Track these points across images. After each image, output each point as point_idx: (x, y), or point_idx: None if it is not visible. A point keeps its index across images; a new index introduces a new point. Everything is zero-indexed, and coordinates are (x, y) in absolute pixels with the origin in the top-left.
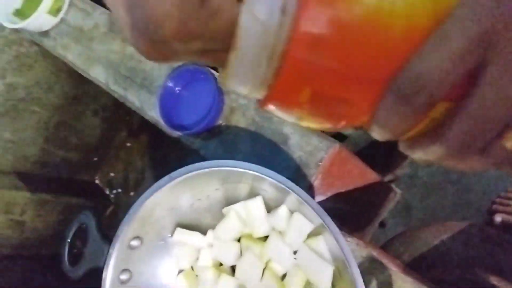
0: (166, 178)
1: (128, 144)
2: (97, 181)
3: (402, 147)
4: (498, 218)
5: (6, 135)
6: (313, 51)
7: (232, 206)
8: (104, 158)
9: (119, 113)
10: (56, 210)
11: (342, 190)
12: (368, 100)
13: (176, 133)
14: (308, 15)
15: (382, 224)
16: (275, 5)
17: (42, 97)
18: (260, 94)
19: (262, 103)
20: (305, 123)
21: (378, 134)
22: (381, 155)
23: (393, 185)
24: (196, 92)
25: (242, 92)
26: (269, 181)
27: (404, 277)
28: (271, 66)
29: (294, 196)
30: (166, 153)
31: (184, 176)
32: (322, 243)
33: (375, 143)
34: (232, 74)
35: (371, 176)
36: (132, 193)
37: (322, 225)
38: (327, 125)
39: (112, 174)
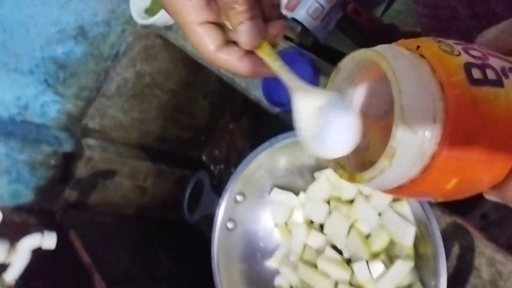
0: (266, 143)
1: (231, 126)
2: (203, 158)
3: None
4: None
5: (134, 114)
6: (462, 149)
7: (323, 170)
8: (210, 138)
9: (224, 98)
10: (171, 180)
11: None
12: (501, 173)
13: (276, 109)
14: (458, 119)
15: (483, 216)
16: (428, 117)
17: (163, 83)
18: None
19: (397, 192)
20: (440, 200)
21: (498, 199)
22: None
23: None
24: (295, 72)
25: (373, 187)
26: None
27: (487, 242)
28: (420, 166)
29: None
30: (265, 132)
31: (281, 143)
32: (406, 206)
33: None
34: (376, 176)
35: None
36: (232, 169)
37: None
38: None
39: (216, 152)
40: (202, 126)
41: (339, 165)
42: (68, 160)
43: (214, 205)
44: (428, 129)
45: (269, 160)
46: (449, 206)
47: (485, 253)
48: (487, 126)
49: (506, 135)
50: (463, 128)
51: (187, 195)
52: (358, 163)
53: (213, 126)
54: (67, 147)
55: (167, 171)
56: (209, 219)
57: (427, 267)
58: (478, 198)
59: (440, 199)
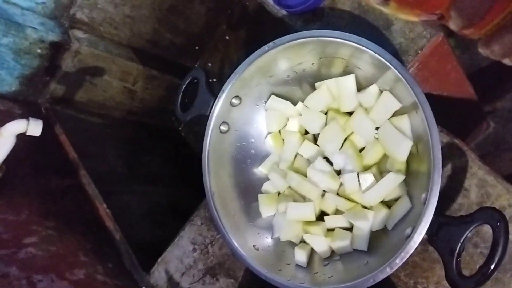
0: (270, 44)
1: (227, 38)
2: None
3: (480, 45)
4: None
5: (126, 10)
6: None
7: (325, 80)
8: (205, 48)
9: (222, 5)
10: (161, 87)
11: (434, 92)
12: None
13: (281, 12)
14: None
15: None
16: None
17: None
18: None
19: None
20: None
21: (455, 22)
22: (484, 84)
23: (488, 117)
24: None
25: None
26: (368, 55)
27: (481, 164)
28: None
29: (391, 71)
30: (265, 42)
31: (286, 44)
32: (406, 122)
33: (481, 70)
34: None
35: (467, 90)
36: None
37: (411, 105)
38: (411, 13)
39: (209, 64)
40: (197, 34)
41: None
42: (55, 51)
43: (208, 105)
44: None
45: (270, 63)
46: (448, 126)
47: (477, 174)
48: None
49: None
50: None
51: (181, 91)
52: None
53: (209, 35)
54: (54, 36)
55: (158, 77)
56: (203, 120)
57: (418, 183)
58: (463, 134)
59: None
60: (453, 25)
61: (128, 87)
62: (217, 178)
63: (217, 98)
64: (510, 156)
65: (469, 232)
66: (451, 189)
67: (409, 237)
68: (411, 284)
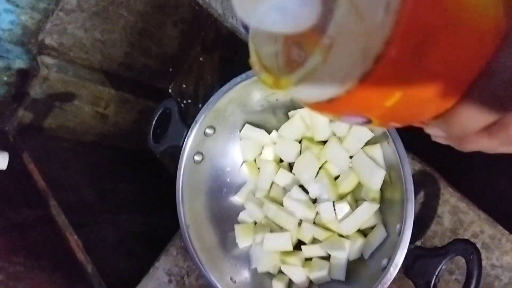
0: (243, 75)
1: (201, 59)
2: (170, 91)
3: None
4: None
5: (96, 35)
6: (415, 53)
7: (298, 109)
8: (179, 70)
9: (195, 27)
10: (134, 110)
11: None
12: (454, 95)
13: None
14: (416, 12)
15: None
16: (380, 2)
17: (131, 2)
18: (328, 98)
19: (329, 107)
20: (375, 124)
21: (442, 132)
22: None
23: None
24: None
25: (301, 96)
26: None
27: (452, 191)
28: (361, 70)
29: None
30: (239, 67)
31: None
32: (379, 151)
33: None
34: (305, 78)
35: None
36: (200, 105)
37: (382, 135)
38: (398, 124)
39: (184, 86)
40: (170, 56)
41: (265, 68)
42: (23, 78)
43: (181, 136)
44: (378, 18)
45: (243, 94)
46: (420, 153)
47: (450, 201)
48: (449, 26)
49: (470, 40)
50: (421, 25)
51: (153, 122)
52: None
53: (182, 57)
54: (22, 63)
55: (131, 100)
56: (176, 151)
57: (392, 211)
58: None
59: (376, 122)
60: (433, 131)
61: (100, 111)
62: (192, 210)
63: (190, 129)
64: (474, 175)
65: (444, 264)
66: (425, 216)
67: (385, 268)
68: None
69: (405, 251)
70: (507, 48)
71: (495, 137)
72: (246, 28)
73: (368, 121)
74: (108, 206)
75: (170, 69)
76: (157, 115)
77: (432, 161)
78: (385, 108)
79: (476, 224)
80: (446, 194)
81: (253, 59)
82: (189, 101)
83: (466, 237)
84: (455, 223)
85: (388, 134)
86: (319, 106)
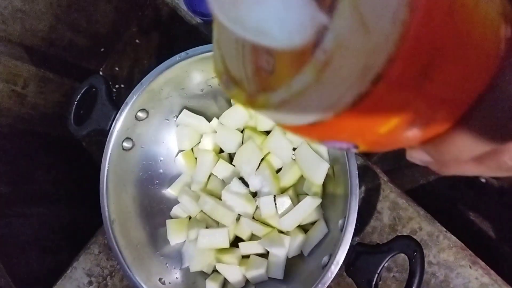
0: (182, 54)
1: (137, 41)
2: (101, 73)
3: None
4: (482, 179)
5: (17, 3)
6: (420, 74)
7: None
8: (111, 50)
9: (132, 6)
10: (58, 91)
11: None
12: (450, 120)
13: (195, 19)
14: (426, 25)
15: None
16: (387, 13)
17: None
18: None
19: (310, 130)
20: (361, 149)
21: (430, 157)
22: None
23: None
24: None
25: (279, 118)
26: None
27: (392, 187)
28: (356, 92)
29: None
30: (178, 50)
31: (200, 56)
32: None
33: None
34: (290, 99)
35: None
36: None
37: None
38: (385, 150)
39: (117, 69)
40: (103, 35)
41: (234, 80)
42: None
43: (109, 119)
44: (384, 30)
45: (181, 75)
46: None
47: (389, 197)
48: (458, 43)
49: (475, 61)
50: (430, 41)
51: (75, 101)
52: (259, 88)
53: (116, 37)
54: None
55: (54, 80)
56: (103, 137)
57: (334, 207)
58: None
59: (363, 148)
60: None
61: (17, 90)
62: (118, 203)
63: (119, 111)
64: (412, 172)
65: (386, 262)
66: (365, 212)
67: (326, 266)
68: None
69: (347, 247)
70: (509, 69)
71: (483, 164)
72: (190, 7)
73: (355, 147)
74: (22, 196)
75: (102, 49)
76: (80, 93)
77: (372, 157)
78: (377, 135)
79: (415, 221)
80: (386, 190)
81: (218, 67)
82: (122, 85)
83: (405, 234)
84: (394, 219)
85: None
86: (299, 129)
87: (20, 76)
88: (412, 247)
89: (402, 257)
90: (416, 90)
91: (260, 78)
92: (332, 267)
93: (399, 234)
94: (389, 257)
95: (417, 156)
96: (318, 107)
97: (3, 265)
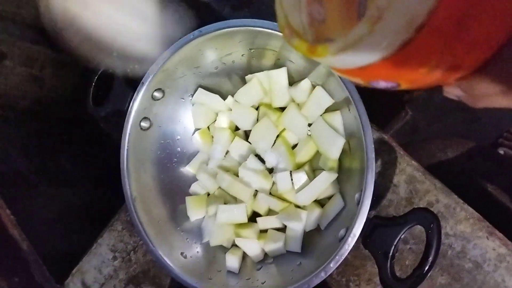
0: (195, 32)
1: None
2: (115, 54)
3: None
4: (501, 151)
5: None
6: (460, 19)
7: (255, 73)
8: None
9: None
10: (74, 73)
11: None
12: (483, 59)
13: None
14: None
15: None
16: None
17: None
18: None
19: (361, 73)
20: (402, 87)
21: (463, 93)
22: None
23: (406, 105)
24: None
25: (335, 63)
26: None
27: (409, 160)
28: (402, 39)
29: (323, 65)
30: (192, 19)
31: (213, 33)
32: (338, 118)
33: None
34: (346, 48)
35: None
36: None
37: (344, 101)
38: (425, 87)
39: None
40: None
41: (296, 33)
42: None
43: (126, 99)
44: None
45: (195, 53)
46: (376, 122)
47: (406, 170)
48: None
49: (506, 5)
50: None
51: (93, 83)
52: (314, 38)
53: None
54: None
55: (70, 62)
56: (120, 118)
57: (350, 181)
58: (382, 122)
59: (404, 86)
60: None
61: (35, 74)
62: (138, 181)
63: (136, 92)
64: (430, 146)
65: (403, 234)
66: (381, 185)
67: (343, 239)
68: (343, 282)
69: (364, 220)
70: None
71: (509, 96)
72: None
73: (397, 86)
74: (45, 178)
75: None
76: (98, 74)
77: (388, 130)
78: (418, 74)
79: (431, 194)
80: (402, 163)
81: (281, 23)
82: (136, 66)
83: (422, 206)
84: (411, 192)
85: (351, 99)
86: (350, 72)
87: (36, 60)
88: (429, 219)
89: (418, 229)
90: (453, 37)
91: (314, 27)
92: (349, 239)
93: (416, 207)
94: (405, 229)
95: (452, 92)
96: (369, 52)
97: (31, 244)
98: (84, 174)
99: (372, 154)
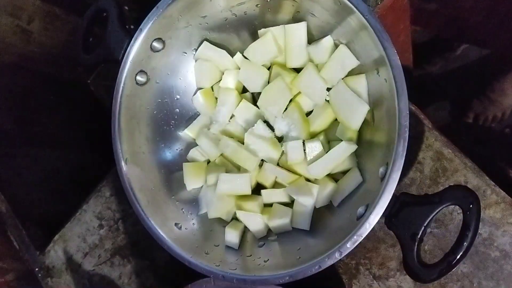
0: None
1: None
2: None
3: None
4: None
5: None
6: None
7: (270, 27)
8: None
9: None
10: (65, 29)
11: None
12: None
13: None
14: None
15: None
16: None
17: None
18: None
19: None
20: None
21: None
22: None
23: None
24: None
25: None
26: None
27: (438, 135)
28: None
29: (355, 16)
30: None
31: None
32: (363, 82)
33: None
34: None
35: (409, 56)
36: None
37: (372, 63)
38: None
39: (126, 7)
40: None
41: None
42: None
43: (121, 47)
44: None
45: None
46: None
47: (433, 146)
48: None
49: None
50: None
51: (84, 26)
52: None
53: None
54: None
55: (61, 16)
56: (112, 69)
57: (370, 155)
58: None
59: None
60: None
61: (22, 25)
62: (131, 142)
63: (133, 39)
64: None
65: (436, 213)
66: (404, 161)
67: (362, 217)
68: (353, 265)
69: (390, 197)
70: None
71: None
72: None
73: None
74: (29, 137)
75: None
76: (90, 16)
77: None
78: None
79: (460, 173)
80: (430, 138)
81: None
82: (132, 26)
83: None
84: (437, 170)
85: (386, 59)
86: None
87: (24, 10)
88: (468, 199)
89: (442, 212)
90: None
91: None
92: (371, 217)
93: (453, 184)
94: (440, 208)
95: None
96: None
97: (10, 206)
98: (70, 137)
99: (406, 121)
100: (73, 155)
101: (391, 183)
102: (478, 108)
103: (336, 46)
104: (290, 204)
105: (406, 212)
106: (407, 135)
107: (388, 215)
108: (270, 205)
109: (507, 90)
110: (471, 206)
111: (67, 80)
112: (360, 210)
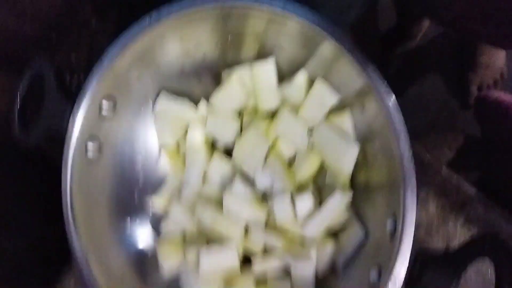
0: (153, 14)
1: (94, 23)
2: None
3: None
4: None
5: None
6: None
7: (235, 68)
8: (64, 37)
9: None
10: (2, 93)
11: None
12: None
13: None
14: None
15: None
16: None
17: None
18: None
19: None
20: None
21: None
22: None
23: None
24: None
25: None
26: (294, 23)
27: (439, 167)
28: None
29: (329, 43)
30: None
31: (176, 14)
32: (348, 119)
33: None
34: None
35: None
36: None
37: (354, 94)
38: None
39: (73, 57)
40: (52, 19)
41: None
42: None
43: (63, 115)
44: None
45: (154, 46)
46: None
47: (435, 179)
48: None
49: None
50: None
51: (17, 100)
52: None
53: (69, 21)
54: None
55: None
56: (57, 139)
57: (369, 200)
58: None
59: None
60: None
61: None
62: (90, 229)
63: (75, 104)
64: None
65: (463, 273)
66: None
67: (377, 283)
68: None
69: (407, 257)
70: None
71: None
72: None
73: None
74: None
75: (53, 35)
76: (25, 86)
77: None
78: None
79: (470, 207)
80: (429, 171)
81: None
82: (81, 76)
83: (459, 225)
84: (443, 207)
85: (373, 88)
86: None
87: None
88: (499, 252)
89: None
90: None
91: None
92: (389, 285)
93: (476, 235)
94: (468, 265)
95: None
96: None
97: None
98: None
99: (410, 164)
100: (29, 235)
101: (406, 242)
102: (476, 79)
103: (312, 81)
104: (288, 271)
105: (429, 276)
106: (414, 180)
107: (408, 279)
108: (266, 275)
109: (493, 51)
110: (502, 260)
111: (5, 146)
112: (373, 275)
